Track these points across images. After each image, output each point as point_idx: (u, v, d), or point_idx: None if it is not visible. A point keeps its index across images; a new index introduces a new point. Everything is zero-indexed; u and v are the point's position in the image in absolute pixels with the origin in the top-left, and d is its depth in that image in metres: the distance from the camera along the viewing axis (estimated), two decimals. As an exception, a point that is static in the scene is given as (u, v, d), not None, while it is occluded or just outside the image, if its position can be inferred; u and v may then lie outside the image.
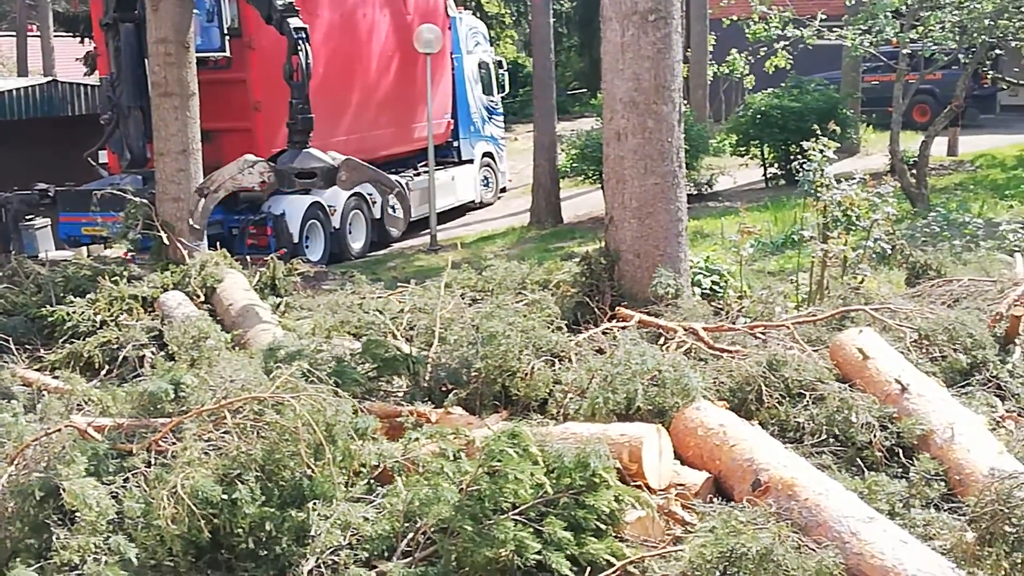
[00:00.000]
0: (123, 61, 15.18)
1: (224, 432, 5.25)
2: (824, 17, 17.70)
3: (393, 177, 19.57)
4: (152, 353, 8.68)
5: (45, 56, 35.13)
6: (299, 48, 10.50)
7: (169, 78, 11.69)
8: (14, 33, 39.80)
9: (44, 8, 34.96)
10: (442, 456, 5.08)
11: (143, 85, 14.58)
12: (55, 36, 35.46)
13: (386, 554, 4.80)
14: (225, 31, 16.16)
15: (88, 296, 9.94)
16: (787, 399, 6.40)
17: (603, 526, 4.84)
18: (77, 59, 32.63)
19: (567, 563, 4.61)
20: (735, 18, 18.21)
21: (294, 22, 10.74)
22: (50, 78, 25.56)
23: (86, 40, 31.13)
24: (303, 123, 10.50)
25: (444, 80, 21.96)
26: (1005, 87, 26.86)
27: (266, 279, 10.56)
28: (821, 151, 10.12)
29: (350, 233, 18.52)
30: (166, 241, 11.23)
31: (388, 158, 20.77)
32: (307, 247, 17.03)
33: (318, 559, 4.78)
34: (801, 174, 10.50)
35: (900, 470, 5.81)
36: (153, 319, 9.51)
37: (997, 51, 19.96)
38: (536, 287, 9.25)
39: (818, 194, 9.94)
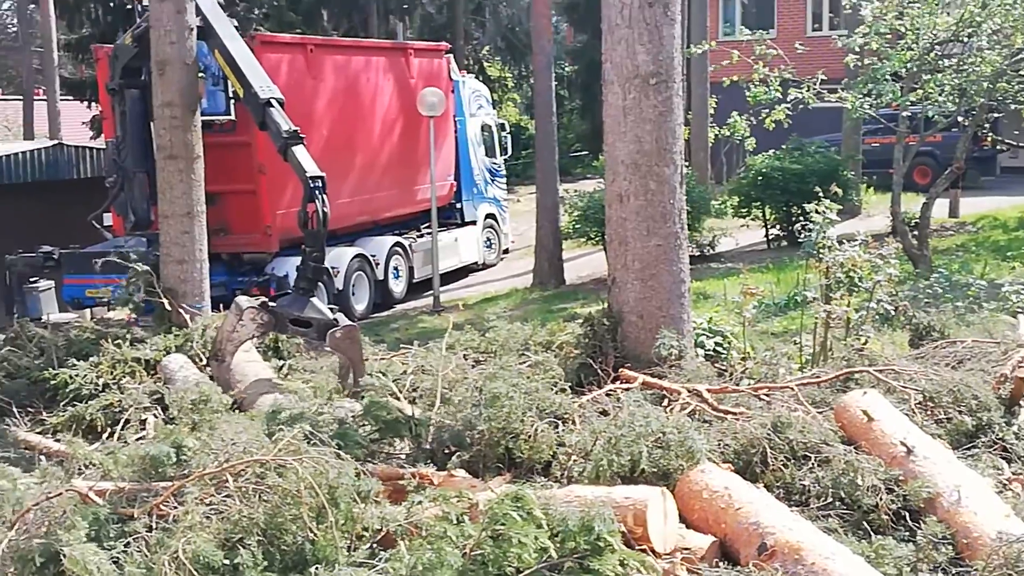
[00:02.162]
0: (128, 125, 15.28)
1: (226, 496, 5.22)
2: (824, 79, 17.84)
3: (392, 239, 19.93)
4: (154, 416, 8.66)
5: (51, 120, 35.36)
6: (315, 196, 10.38)
7: (174, 141, 11.77)
8: (21, 97, 40.19)
9: (51, 72, 35.24)
10: (445, 519, 5.04)
11: (148, 148, 14.66)
12: (61, 100, 35.73)
13: (389, 619, 4.75)
14: (230, 95, 16.28)
15: (91, 359, 9.94)
16: (792, 461, 6.37)
17: (608, 590, 4.80)
18: (83, 123, 32.91)
19: (572, 629, 4.57)
20: (735, 79, 18.34)
21: (309, 166, 10.62)
22: (56, 141, 25.72)
23: (92, 104, 31.40)
24: (314, 272, 10.31)
25: (447, 142, 22.12)
26: (1005, 149, 27.06)
27: (269, 341, 10.54)
28: (823, 212, 10.16)
29: (353, 295, 18.55)
30: (168, 307, 11.23)
31: (392, 220, 20.89)
32: (309, 309, 17.01)
33: (320, 625, 4.74)
34: (803, 235, 10.53)
35: (907, 533, 5.76)
36: (156, 382, 9.50)
37: (996, 113, 20.09)
38: (539, 348, 9.25)
39: (820, 255, 9.96)
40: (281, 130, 11.02)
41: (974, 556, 5.34)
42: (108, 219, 17.07)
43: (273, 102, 11.44)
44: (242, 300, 9.85)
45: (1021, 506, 5.86)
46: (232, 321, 9.61)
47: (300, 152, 10.85)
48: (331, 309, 10.02)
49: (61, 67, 36.96)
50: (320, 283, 10.57)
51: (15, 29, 43.02)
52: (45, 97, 36.37)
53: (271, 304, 9.88)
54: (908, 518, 5.90)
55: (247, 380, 9.02)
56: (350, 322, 9.61)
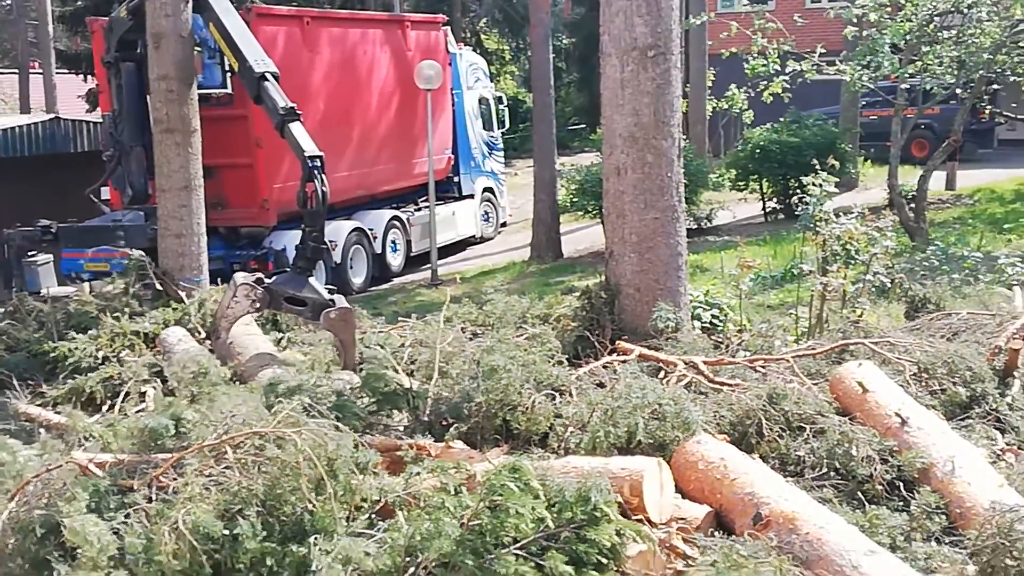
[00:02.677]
0: (125, 98, 15.25)
1: (225, 467, 5.25)
2: (823, 51, 17.80)
3: (390, 213, 19.91)
4: (154, 388, 8.69)
5: (47, 93, 35.31)
6: (315, 176, 10.31)
7: (171, 114, 11.76)
8: (17, 70, 40.07)
9: (47, 46, 35.15)
10: (443, 490, 5.07)
11: (145, 122, 14.64)
12: (57, 73, 35.66)
13: (387, 589, 4.79)
14: (227, 68, 16.24)
15: (90, 332, 9.96)
16: (787, 432, 6.40)
17: (604, 560, 4.83)
18: (79, 96, 32.82)
19: (568, 598, 4.61)
20: (734, 51, 18.30)
21: (307, 145, 10.53)
22: (52, 115, 25.65)
23: (88, 77, 31.31)
24: (313, 251, 10.24)
25: (445, 116, 22.07)
26: (1003, 121, 27.00)
27: (268, 315, 10.56)
28: (820, 185, 10.16)
29: (351, 268, 18.55)
30: (160, 287, 11.25)
31: (389, 194, 20.87)
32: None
33: (319, 594, 4.77)
34: (800, 208, 10.54)
35: (901, 503, 5.81)
36: (155, 355, 9.53)
37: (995, 86, 20.05)
38: (536, 321, 9.28)
39: (817, 228, 9.98)
40: (277, 106, 10.96)
41: (967, 526, 5.38)
42: (105, 193, 17.06)
43: (268, 76, 11.38)
44: (239, 276, 9.86)
45: (1014, 476, 5.89)
46: (228, 297, 9.63)
47: (297, 130, 10.79)
48: (329, 290, 10.01)
49: (56, 40, 36.88)
50: (318, 262, 10.51)
51: (9, 2, 42.81)
52: (41, 70, 36.30)
53: (267, 281, 9.87)
54: (902, 488, 5.94)
55: (247, 353, 9.04)
56: (346, 305, 9.62)
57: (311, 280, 9.95)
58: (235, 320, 9.54)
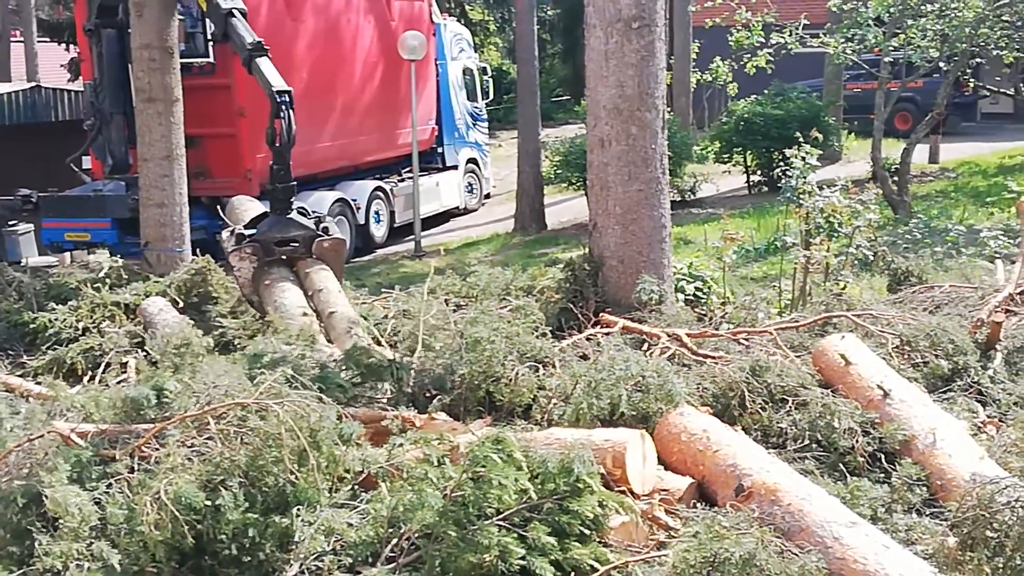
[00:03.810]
0: (106, 66, 15.14)
1: (207, 438, 5.24)
2: (807, 23, 17.78)
3: (373, 184, 19.83)
4: (135, 359, 8.66)
5: (28, 62, 34.96)
6: (282, 113, 10.20)
7: (153, 84, 11.67)
8: (-3, 39, 39.67)
9: (28, 14, 34.78)
10: (426, 462, 5.07)
11: (126, 91, 14.55)
12: (39, 42, 35.31)
13: (370, 560, 4.78)
14: (209, 37, 16.12)
15: (70, 303, 9.91)
16: (770, 405, 6.42)
17: (587, 531, 4.84)
18: (61, 65, 32.55)
19: (551, 568, 4.61)
20: (718, 20, 18.26)
21: (275, 80, 10.42)
22: (33, 84, 25.44)
23: (70, 46, 31.05)
24: (283, 191, 10.15)
25: (428, 86, 21.98)
26: (986, 95, 27.06)
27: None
28: (804, 158, 10.17)
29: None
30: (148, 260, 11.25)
31: (372, 164, 20.80)
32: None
33: (302, 565, 4.77)
34: (784, 181, 10.55)
35: (882, 475, 5.83)
36: (136, 325, 9.49)
37: (978, 59, 20.08)
38: (520, 293, 9.27)
39: (801, 201, 10.00)
40: (245, 42, 10.86)
41: (948, 497, 5.41)
42: (87, 162, 16.95)
43: (235, 12, 11.27)
44: (224, 241, 9.82)
45: (995, 448, 5.92)
46: (226, 246, 9.66)
47: (265, 65, 10.68)
48: (317, 220, 9.96)
49: (38, 8, 36.48)
50: (291, 199, 10.42)
51: (-11, -31, 42.35)
52: (22, 39, 35.93)
53: (251, 234, 9.80)
54: (883, 460, 5.96)
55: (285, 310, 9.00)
56: (339, 235, 9.60)
57: (293, 216, 9.89)
58: (250, 284, 9.50)
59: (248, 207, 10.83)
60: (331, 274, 9.54)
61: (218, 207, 16.21)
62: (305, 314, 8.96)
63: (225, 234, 9.95)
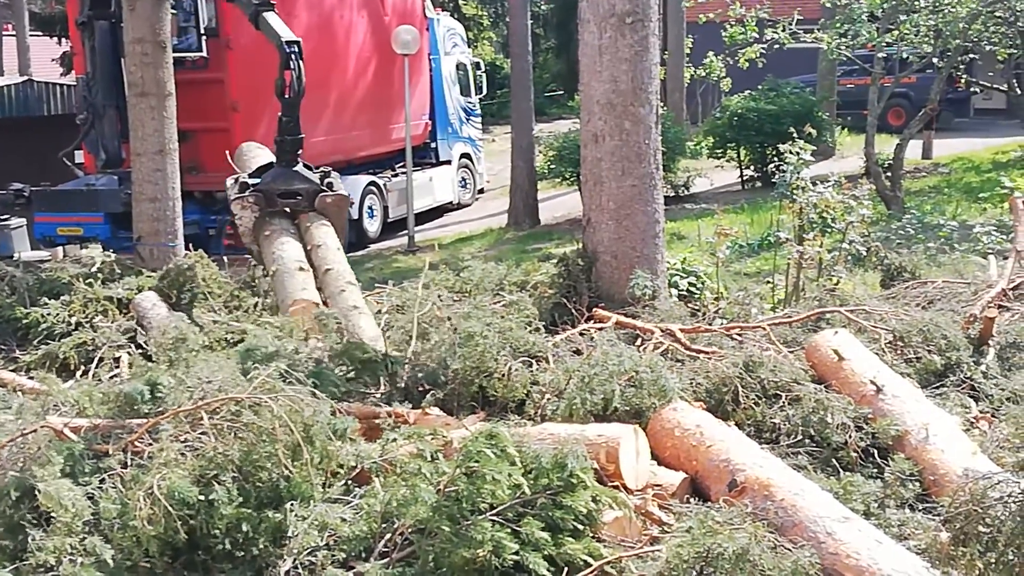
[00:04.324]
0: (99, 60, 15.10)
1: (201, 433, 5.23)
2: (800, 19, 17.79)
3: (367, 179, 19.81)
4: (128, 354, 8.64)
5: (21, 56, 34.89)
6: (291, 64, 10.16)
7: (146, 78, 11.64)
8: (-11, 32, 39.57)
9: (20, 8, 34.70)
10: (420, 457, 5.08)
11: (119, 85, 14.51)
12: (31, 36, 35.23)
13: (363, 555, 4.79)
14: (202, 31, 16.09)
15: (63, 298, 9.89)
16: (763, 400, 6.43)
17: (580, 526, 4.84)
18: (53, 59, 32.50)
19: (544, 563, 4.61)
20: (711, 16, 18.27)
21: (283, 32, 10.38)
22: (26, 78, 25.41)
23: (62, 40, 30.99)
24: (291, 143, 10.11)
25: (422, 81, 21.95)
26: (979, 91, 27.08)
27: (246, 278, 10.50)
28: (797, 154, 10.18)
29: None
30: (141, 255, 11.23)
31: (366, 159, 20.78)
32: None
33: (295, 560, 4.77)
34: (777, 176, 10.56)
35: (875, 470, 5.84)
36: (128, 320, 9.48)
37: (971, 55, 20.10)
38: (514, 288, 9.26)
39: (794, 196, 10.00)
40: None
41: (940, 493, 5.42)
42: (79, 156, 16.92)
43: None
44: (228, 188, 9.78)
45: (987, 444, 5.93)
46: (229, 194, 9.63)
47: (272, 18, 10.65)
48: (321, 174, 9.92)
49: (30, 2, 36.40)
50: (298, 151, 10.35)
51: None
52: (14, 32, 35.85)
53: (255, 183, 9.76)
54: (876, 455, 5.97)
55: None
56: (343, 191, 9.57)
57: (298, 169, 9.84)
58: (252, 232, 9.45)
59: (256, 154, 10.77)
60: (331, 230, 9.48)
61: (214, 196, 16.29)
62: (302, 268, 8.92)
63: (229, 181, 9.90)
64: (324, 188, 9.59)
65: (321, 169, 10.14)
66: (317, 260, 9.04)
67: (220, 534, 4.80)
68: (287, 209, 9.72)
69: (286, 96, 10.23)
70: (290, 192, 9.70)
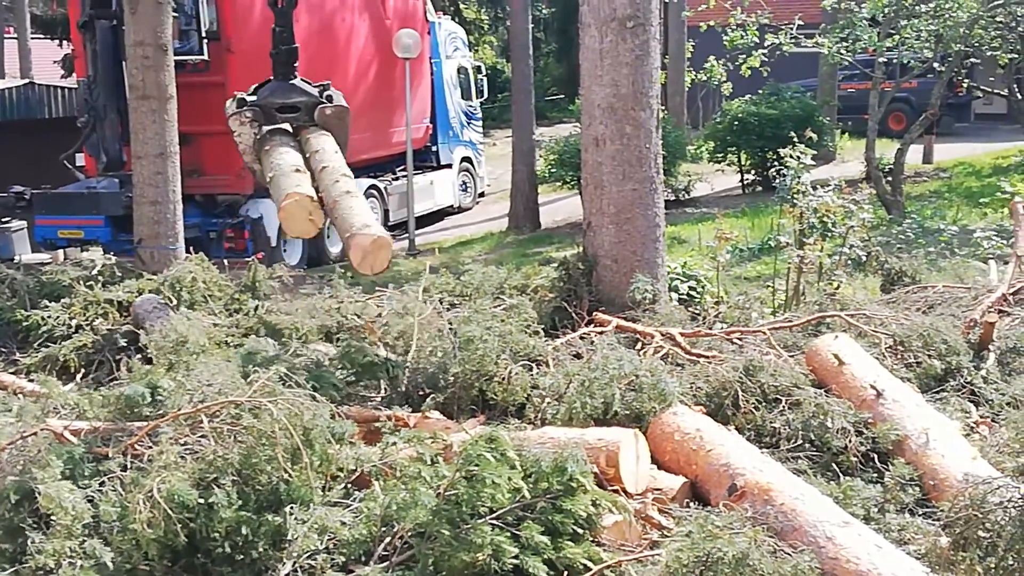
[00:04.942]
0: (100, 63, 15.10)
1: (201, 436, 5.23)
2: (801, 24, 17.80)
3: (368, 182, 19.82)
4: (128, 357, 8.64)
5: (22, 58, 34.92)
6: None
7: (147, 81, 11.64)
8: (-10, 35, 39.60)
9: (21, 10, 34.75)
10: (420, 460, 5.08)
11: (120, 88, 14.51)
12: (32, 38, 35.27)
13: (363, 558, 4.79)
14: (204, 34, 16.09)
15: (63, 300, 9.89)
16: (763, 404, 6.43)
17: (580, 530, 4.85)
18: (55, 62, 32.47)
19: (544, 567, 4.62)
20: (712, 23, 18.29)
21: None
22: (27, 80, 25.42)
23: (64, 43, 31.01)
24: (287, 54, 9.93)
25: (423, 85, 21.95)
26: (980, 96, 27.10)
27: (247, 282, 10.50)
28: (798, 158, 10.18)
29: (328, 236, 18.46)
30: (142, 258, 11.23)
31: (367, 162, 20.75)
32: (285, 251, 16.99)
33: (295, 563, 4.77)
34: (778, 181, 10.57)
35: (875, 475, 5.84)
36: (128, 323, 9.47)
37: (972, 60, 20.11)
38: (514, 292, 9.25)
39: (795, 201, 10.00)
40: None
41: (940, 497, 5.42)
42: (80, 159, 16.92)
43: None
44: (227, 107, 9.69)
45: (988, 449, 5.93)
46: (228, 112, 9.52)
47: None
48: (323, 87, 9.82)
49: (32, 4, 36.44)
50: (295, 63, 10.20)
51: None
52: (16, 35, 35.89)
53: (252, 99, 9.66)
54: (876, 460, 5.98)
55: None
56: (343, 102, 9.47)
57: (296, 82, 9.73)
58: (253, 149, 9.36)
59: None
60: (330, 139, 9.34)
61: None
62: (298, 171, 8.85)
63: (228, 101, 9.83)
64: (323, 101, 9.45)
65: (321, 83, 10.03)
66: (314, 163, 8.90)
67: (220, 537, 4.80)
68: (288, 128, 9.53)
69: (279, 6, 10.10)
70: (289, 106, 9.56)
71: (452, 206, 23.50)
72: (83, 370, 8.75)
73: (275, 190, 8.85)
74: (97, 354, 8.87)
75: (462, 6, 41.38)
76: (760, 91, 23.35)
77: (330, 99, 9.51)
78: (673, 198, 21.23)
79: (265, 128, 9.50)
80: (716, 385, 6.54)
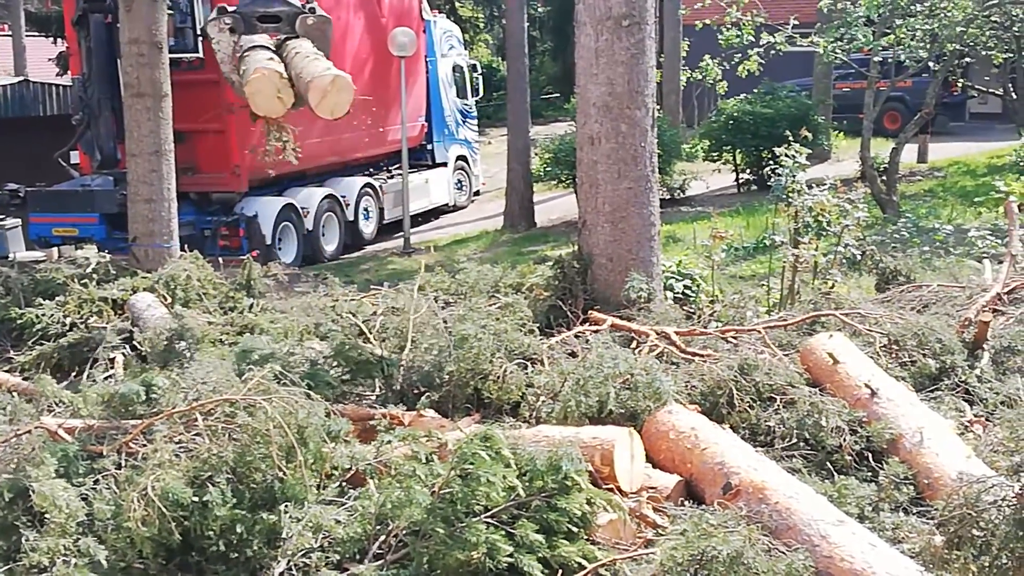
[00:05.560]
0: (95, 61, 15.07)
1: (195, 434, 5.23)
2: (796, 23, 17.81)
3: (363, 180, 19.80)
4: (123, 355, 8.64)
5: (17, 56, 34.84)
6: None
7: (142, 79, 11.63)
8: (-15, 32, 39.52)
9: (16, 7, 34.66)
10: (414, 459, 5.08)
11: (115, 85, 14.49)
12: (27, 36, 35.18)
13: (357, 557, 4.79)
14: (199, 32, 16.06)
15: (58, 298, 9.88)
16: (758, 403, 6.43)
17: (575, 529, 4.85)
18: (49, 59, 32.41)
19: (539, 566, 4.62)
20: (708, 22, 18.30)
21: None
22: (21, 78, 25.39)
23: (58, 40, 30.94)
24: None
25: (418, 83, 21.94)
26: (975, 95, 27.12)
27: (242, 280, 10.50)
28: (793, 157, 10.18)
29: (323, 235, 18.47)
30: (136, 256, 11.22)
31: (362, 160, 20.76)
32: (280, 249, 16.97)
33: (289, 561, 4.77)
34: (773, 180, 10.56)
35: (869, 474, 5.84)
36: (123, 321, 9.46)
37: (967, 59, 20.14)
38: (509, 290, 9.25)
39: (790, 200, 10.00)
40: None
41: (935, 496, 5.42)
42: (75, 157, 16.89)
43: None
44: (207, 19, 9.59)
45: (982, 448, 5.94)
46: (212, 44, 9.42)
47: None
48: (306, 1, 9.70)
49: (26, 2, 36.36)
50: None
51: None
52: (10, 32, 35.80)
53: (233, 8, 9.53)
54: (871, 459, 5.98)
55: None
56: (324, 14, 9.37)
57: None
58: (232, 59, 9.25)
59: None
60: (310, 43, 9.28)
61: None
62: (271, 59, 8.76)
63: (212, 12, 9.69)
64: (305, 11, 9.34)
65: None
66: (289, 57, 8.85)
67: (214, 535, 4.81)
68: (268, 43, 9.36)
69: None
70: (270, 16, 9.43)
71: (447, 204, 23.48)
72: (77, 368, 8.75)
73: (247, 71, 8.74)
74: (91, 352, 8.87)
75: (458, 4, 41.32)
76: (755, 90, 23.34)
77: (313, 10, 9.38)
78: (668, 197, 21.21)
79: (245, 39, 9.38)
80: (711, 384, 6.54)
